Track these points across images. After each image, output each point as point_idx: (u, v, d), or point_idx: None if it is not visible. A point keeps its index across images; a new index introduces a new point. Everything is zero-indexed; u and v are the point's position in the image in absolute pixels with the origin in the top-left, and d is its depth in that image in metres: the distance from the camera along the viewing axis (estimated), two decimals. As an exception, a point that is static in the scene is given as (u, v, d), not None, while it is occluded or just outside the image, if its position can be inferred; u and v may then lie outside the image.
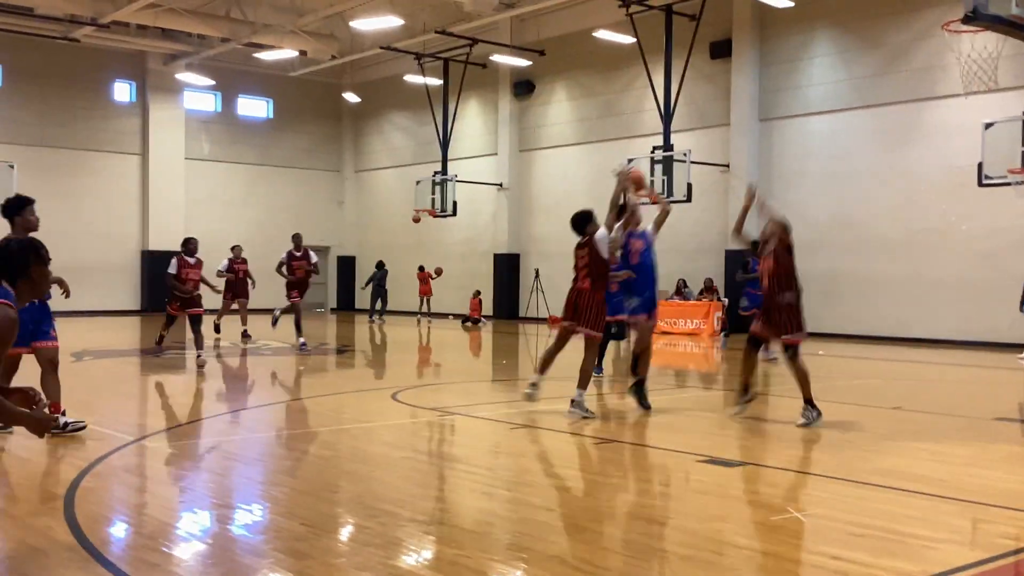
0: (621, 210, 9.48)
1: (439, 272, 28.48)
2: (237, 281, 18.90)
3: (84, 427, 7.93)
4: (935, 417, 9.93)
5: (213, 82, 30.97)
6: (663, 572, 4.78)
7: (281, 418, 10.00)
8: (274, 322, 18.36)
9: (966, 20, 8.99)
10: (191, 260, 14.53)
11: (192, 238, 15.01)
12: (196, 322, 14.14)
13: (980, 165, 17.10)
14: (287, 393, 12.13)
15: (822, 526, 5.46)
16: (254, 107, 34.28)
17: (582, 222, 9.28)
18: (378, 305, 28.60)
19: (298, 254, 17.43)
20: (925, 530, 5.50)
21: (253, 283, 19.09)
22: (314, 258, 17.57)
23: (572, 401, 9.11)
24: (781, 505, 6.16)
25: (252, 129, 34.09)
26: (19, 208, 7.81)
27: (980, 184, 17.23)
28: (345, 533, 5.50)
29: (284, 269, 17.35)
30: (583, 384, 9.11)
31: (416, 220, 28.37)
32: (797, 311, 8.81)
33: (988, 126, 17.18)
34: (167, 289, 14.54)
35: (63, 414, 7.87)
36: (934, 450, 8.06)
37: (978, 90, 16.37)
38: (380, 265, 29.08)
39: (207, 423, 9.56)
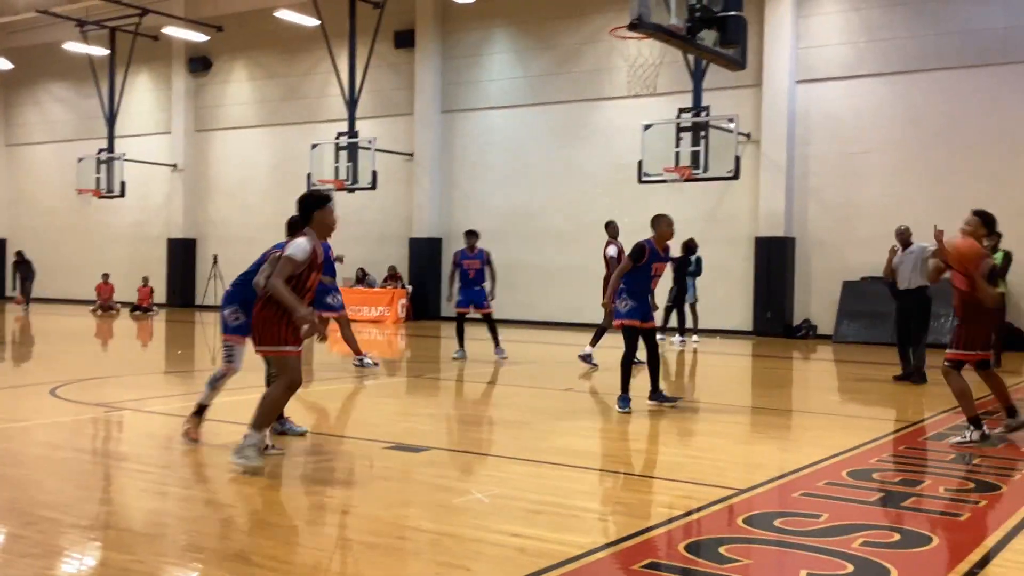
0: None
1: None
2: None
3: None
4: (602, 397, 10.63)
5: None
6: (347, 562, 4.73)
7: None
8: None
9: (631, 27, 9.65)
10: None
11: None
12: None
13: (640, 164, 18.52)
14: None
15: (503, 505, 5.66)
16: None
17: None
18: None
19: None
20: (595, 503, 5.87)
21: None
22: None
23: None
24: (463, 487, 6.31)
25: None
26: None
27: (640, 181, 18.66)
28: (-5, 545, 4.95)
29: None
30: None
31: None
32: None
33: (647, 127, 18.62)
34: None
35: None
36: (601, 428, 8.62)
37: (640, 93, 17.69)
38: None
39: None
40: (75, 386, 10.67)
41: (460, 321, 14.24)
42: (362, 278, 24.13)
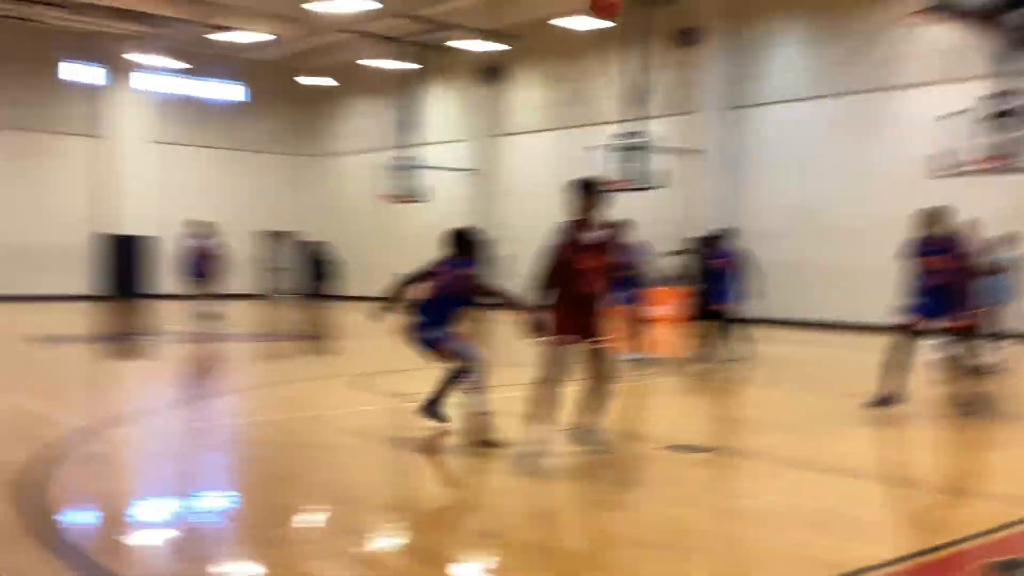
0: None
1: None
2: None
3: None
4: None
5: (175, 64, 30.51)
6: (621, 559, 4.81)
7: (241, 406, 9.93)
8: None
9: (930, 11, 9.10)
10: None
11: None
12: None
13: (936, 156, 17.20)
14: (246, 381, 12.05)
15: (785, 512, 5.53)
16: (220, 90, 33.81)
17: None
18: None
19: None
20: (884, 514, 5.59)
21: (220, 264, 18.32)
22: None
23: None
24: (743, 491, 6.22)
25: (217, 112, 33.63)
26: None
27: (938, 175, 17.36)
28: (313, 520, 5.48)
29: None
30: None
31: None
32: None
33: (948, 116, 17.32)
34: None
35: None
36: (887, 436, 8.17)
37: (938, 80, 16.53)
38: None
39: (169, 410, 9.47)
40: (373, 377, 11.50)
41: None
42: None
